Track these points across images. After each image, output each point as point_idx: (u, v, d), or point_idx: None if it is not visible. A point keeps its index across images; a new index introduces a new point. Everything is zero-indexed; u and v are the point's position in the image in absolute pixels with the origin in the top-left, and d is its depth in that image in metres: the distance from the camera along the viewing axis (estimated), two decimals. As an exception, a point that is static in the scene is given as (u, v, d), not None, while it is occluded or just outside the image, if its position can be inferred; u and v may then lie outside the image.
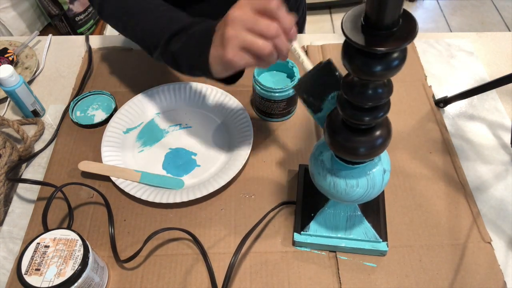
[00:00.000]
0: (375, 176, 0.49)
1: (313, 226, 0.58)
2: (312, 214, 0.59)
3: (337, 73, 0.48)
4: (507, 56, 0.84)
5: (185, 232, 0.58)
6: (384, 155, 0.51)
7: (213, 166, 0.67)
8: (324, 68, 0.48)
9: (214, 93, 0.75)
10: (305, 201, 0.61)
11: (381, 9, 0.34)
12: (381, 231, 0.58)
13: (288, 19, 0.49)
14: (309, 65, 0.50)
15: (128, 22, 0.62)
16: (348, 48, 0.38)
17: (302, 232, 0.58)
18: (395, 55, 0.37)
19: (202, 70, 0.54)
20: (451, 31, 2.20)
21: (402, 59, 0.37)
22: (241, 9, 0.48)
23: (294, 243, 0.59)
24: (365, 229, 0.57)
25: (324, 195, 0.53)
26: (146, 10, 0.61)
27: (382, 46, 0.34)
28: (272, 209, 0.60)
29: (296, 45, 0.51)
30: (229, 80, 0.59)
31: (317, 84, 0.49)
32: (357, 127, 0.45)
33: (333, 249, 0.58)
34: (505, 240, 0.60)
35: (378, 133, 0.45)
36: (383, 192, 0.63)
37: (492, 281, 0.56)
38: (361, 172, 0.49)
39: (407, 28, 0.35)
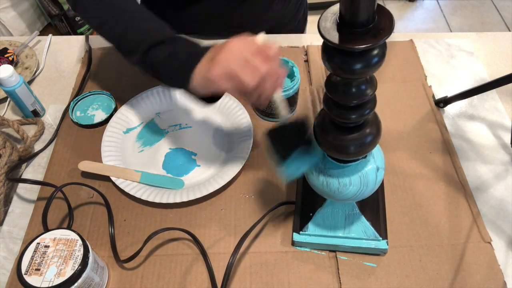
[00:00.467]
0: (368, 174, 0.49)
1: (311, 226, 0.58)
2: (311, 214, 0.59)
3: (306, 136, 0.50)
4: (507, 56, 0.84)
5: (185, 232, 0.58)
6: (378, 153, 0.51)
7: (213, 166, 0.67)
8: (299, 126, 0.51)
9: None
10: (304, 201, 0.61)
11: (354, 6, 0.33)
12: (381, 229, 0.58)
13: (280, 69, 0.51)
14: (285, 117, 0.53)
15: (106, 21, 0.60)
16: (327, 48, 0.38)
17: (301, 232, 0.58)
18: (374, 52, 0.37)
19: (182, 83, 0.54)
20: (451, 31, 2.20)
21: (382, 55, 0.37)
22: (242, 41, 0.50)
23: (293, 243, 0.59)
24: (364, 228, 0.57)
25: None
26: (126, 12, 0.60)
27: (358, 44, 0.34)
28: (271, 209, 0.60)
29: (278, 95, 0.53)
30: (207, 99, 0.58)
31: (288, 137, 0.51)
32: (346, 126, 0.45)
33: (333, 249, 0.58)
34: (505, 240, 0.60)
35: (367, 130, 0.45)
36: (382, 190, 0.63)
37: (492, 281, 0.56)
38: (353, 170, 0.49)
39: (383, 24, 0.35)
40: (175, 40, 0.56)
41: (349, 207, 0.58)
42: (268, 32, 0.88)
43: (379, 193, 0.62)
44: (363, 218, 0.57)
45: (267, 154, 0.52)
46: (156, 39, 0.56)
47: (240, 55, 0.49)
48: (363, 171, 0.49)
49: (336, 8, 0.37)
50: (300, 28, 0.99)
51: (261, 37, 0.53)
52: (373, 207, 0.60)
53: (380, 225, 0.58)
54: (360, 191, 0.50)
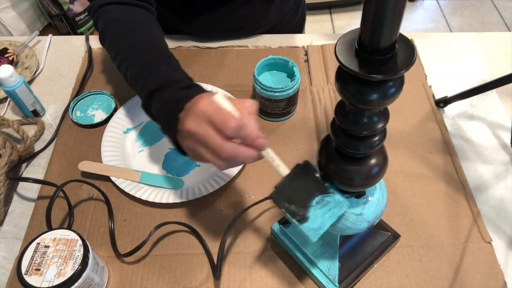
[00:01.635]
0: (349, 214, 0.46)
1: (292, 229, 0.57)
2: (301, 219, 0.57)
3: (317, 175, 0.45)
4: (507, 56, 0.84)
5: (189, 228, 0.59)
6: (374, 206, 0.47)
7: (213, 166, 0.67)
8: (303, 170, 0.45)
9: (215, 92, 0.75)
10: None
11: (375, 32, 0.31)
12: (345, 279, 0.53)
13: (252, 133, 0.44)
14: (285, 170, 0.45)
15: (121, 64, 0.61)
16: (341, 74, 0.35)
17: (281, 227, 0.57)
18: (392, 82, 0.34)
19: (172, 142, 0.52)
20: (451, 31, 2.20)
21: (400, 86, 0.34)
22: (197, 122, 0.44)
23: (271, 232, 0.58)
24: (331, 265, 0.53)
25: None
26: (137, 53, 0.59)
27: (375, 73, 0.31)
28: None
29: (269, 150, 0.46)
30: None
31: (297, 189, 0.44)
32: (352, 156, 0.42)
33: (294, 258, 0.57)
34: (505, 240, 0.60)
35: (373, 161, 0.42)
36: (380, 253, 0.56)
37: (492, 281, 0.56)
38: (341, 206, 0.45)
39: (404, 53, 0.32)
40: (163, 90, 0.53)
41: (331, 238, 0.54)
42: (268, 32, 0.88)
43: (374, 254, 0.56)
44: (336, 256, 0.54)
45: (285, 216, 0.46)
46: (151, 87, 0.54)
47: (198, 140, 0.45)
48: (346, 209, 0.45)
49: (354, 33, 0.34)
50: (298, 28, 1.00)
51: (219, 98, 0.46)
52: (356, 259, 0.55)
53: (347, 276, 0.53)
54: (335, 226, 0.46)
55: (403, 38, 0.33)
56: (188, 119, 0.45)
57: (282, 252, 0.58)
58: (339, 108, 0.39)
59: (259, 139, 0.45)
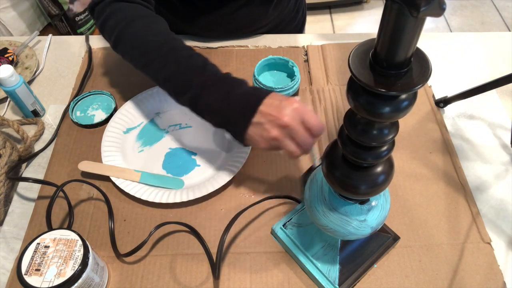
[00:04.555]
0: (352, 220, 0.46)
1: (293, 230, 0.57)
2: (301, 222, 0.58)
3: None
4: (507, 56, 0.84)
5: (189, 228, 0.59)
6: (378, 211, 0.47)
7: (213, 166, 0.67)
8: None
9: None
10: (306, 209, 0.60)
11: (393, 48, 0.30)
12: (345, 281, 0.53)
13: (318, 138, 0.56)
14: (318, 162, 0.60)
15: (149, 63, 0.61)
16: (353, 85, 0.34)
17: (281, 227, 0.57)
18: (405, 96, 0.33)
19: (231, 135, 0.57)
20: (451, 31, 2.20)
21: (413, 99, 0.33)
22: (293, 118, 0.52)
23: (271, 231, 0.59)
24: (331, 267, 0.54)
25: None
26: (169, 53, 0.60)
27: (390, 89, 0.30)
28: (275, 197, 0.61)
29: (314, 147, 0.59)
30: None
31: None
32: (358, 165, 0.41)
33: (294, 259, 0.57)
34: (505, 240, 0.60)
35: (379, 169, 0.42)
36: (380, 254, 0.57)
37: (492, 281, 0.56)
38: (341, 207, 0.46)
39: (420, 67, 0.31)
40: (224, 83, 0.57)
41: (333, 240, 0.55)
42: (268, 33, 0.88)
43: (374, 256, 0.56)
44: (337, 258, 0.54)
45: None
46: (204, 82, 0.57)
47: (290, 132, 0.52)
48: (348, 212, 0.46)
49: (368, 45, 0.33)
50: (298, 30, 1.00)
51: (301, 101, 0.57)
52: (356, 260, 0.55)
53: (347, 277, 0.54)
54: (332, 228, 0.47)
55: (418, 51, 0.32)
56: (283, 115, 0.52)
57: (282, 252, 0.58)
58: (349, 117, 0.38)
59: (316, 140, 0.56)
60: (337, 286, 0.53)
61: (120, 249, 0.58)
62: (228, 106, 0.55)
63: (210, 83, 0.56)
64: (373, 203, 0.47)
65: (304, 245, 0.56)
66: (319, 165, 0.54)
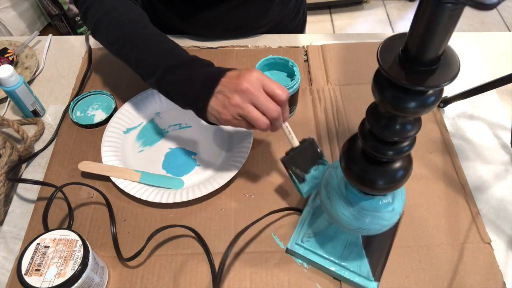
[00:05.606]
0: (381, 213, 0.46)
1: (310, 242, 0.56)
2: (315, 230, 0.58)
3: (319, 149, 0.59)
4: (507, 56, 0.84)
5: (189, 230, 0.59)
6: (399, 195, 0.48)
7: (213, 166, 0.67)
8: (309, 144, 0.58)
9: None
10: (311, 216, 0.59)
11: (425, 45, 0.30)
12: (377, 270, 0.54)
13: (287, 108, 0.55)
14: (296, 142, 0.58)
15: (122, 47, 0.63)
16: (379, 77, 0.34)
17: (297, 242, 0.57)
18: (432, 91, 0.33)
19: (195, 111, 0.57)
20: (451, 31, 2.20)
21: (439, 94, 0.33)
22: (252, 83, 0.52)
23: (286, 250, 0.58)
24: (360, 262, 0.54)
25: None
26: (142, 37, 0.62)
27: (420, 85, 0.31)
28: (275, 211, 0.60)
29: (287, 124, 0.57)
30: None
31: (303, 158, 0.58)
32: (378, 159, 0.41)
33: (322, 270, 0.56)
34: (505, 240, 0.60)
35: (398, 164, 0.41)
36: (394, 233, 0.59)
37: (492, 281, 0.56)
38: (368, 204, 0.46)
39: (449, 64, 0.31)
40: (190, 64, 0.58)
41: (353, 237, 0.56)
42: (268, 33, 0.88)
43: (391, 234, 0.58)
44: (363, 252, 0.55)
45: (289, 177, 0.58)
46: (171, 63, 0.58)
47: (252, 99, 0.52)
48: (377, 208, 0.46)
49: (398, 40, 0.33)
50: (299, 29, 1.00)
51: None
52: (379, 245, 0.57)
53: (378, 266, 0.55)
54: (366, 227, 0.47)
55: (448, 50, 0.32)
56: (242, 81, 0.52)
57: (282, 252, 0.58)
58: (372, 111, 0.38)
59: (286, 113, 0.55)
60: (372, 279, 0.53)
61: (120, 248, 0.58)
62: (192, 82, 0.56)
63: (177, 64, 0.58)
64: None
65: (328, 252, 0.55)
66: (298, 146, 0.57)
